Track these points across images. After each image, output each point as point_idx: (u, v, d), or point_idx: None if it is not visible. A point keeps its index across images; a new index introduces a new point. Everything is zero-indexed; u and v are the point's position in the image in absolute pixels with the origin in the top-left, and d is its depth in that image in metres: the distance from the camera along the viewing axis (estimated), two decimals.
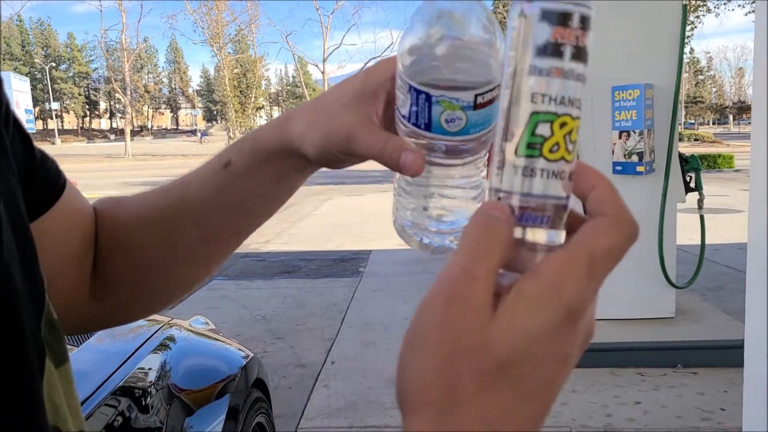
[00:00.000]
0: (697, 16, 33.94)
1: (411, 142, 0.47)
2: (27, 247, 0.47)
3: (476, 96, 0.44)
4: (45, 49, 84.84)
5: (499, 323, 0.32)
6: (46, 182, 0.58)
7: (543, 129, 0.33)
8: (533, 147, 0.33)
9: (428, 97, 0.44)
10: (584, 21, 0.33)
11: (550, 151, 0.33)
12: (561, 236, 0.35)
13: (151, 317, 2.40)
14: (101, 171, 30.40)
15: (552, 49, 0.33)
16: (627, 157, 4.07)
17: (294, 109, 0.57)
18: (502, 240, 0.33)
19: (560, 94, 0.33)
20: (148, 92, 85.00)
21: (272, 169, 0.58)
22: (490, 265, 0.33)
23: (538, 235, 0.35)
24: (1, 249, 0.41)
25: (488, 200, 0.35)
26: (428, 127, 0.45)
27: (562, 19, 0.33)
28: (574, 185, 0.35)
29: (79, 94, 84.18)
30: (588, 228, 0.34)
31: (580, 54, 0.33)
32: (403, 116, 0.46)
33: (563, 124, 0.33)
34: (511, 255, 0.34)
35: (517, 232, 0.34)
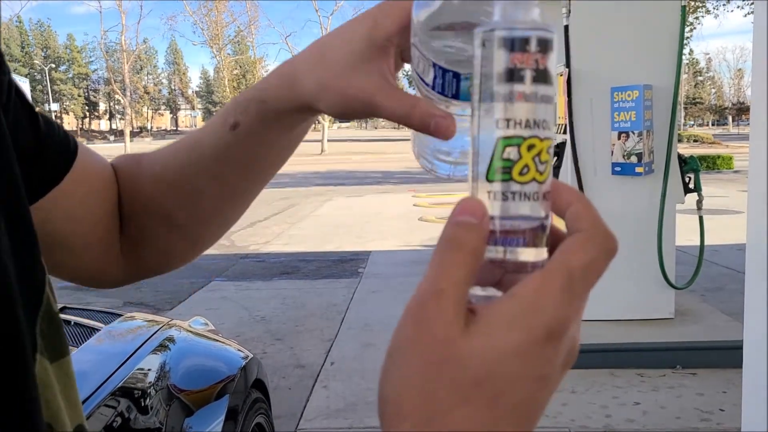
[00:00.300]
0: (697, 17, 33.91)
1: (434, 102, 0.47)
2: (27, 239, 0.46)
3: None
4: (44, 50, 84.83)
5: (473, 339, 0.32)
6: (55, 153, 0.58)
7: (511, 153, 0.34)
8: (503, 171, 0.34)
9: (456, 74, 0.45)
10: (543, 44, 0.34)
11: (520, 173, 0.34)
12: (541, 255, 0.35)
13: (151, 318, 2.41)
14: None
15: (512, 75, 0.34)
16: (626, 158, 4.07)
17: (298, 62, 0.54)
18: (468, 251, 0.34)
19: (525, 117, 0.34)
20: (148, 93, 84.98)
21: (283, 124, 0.57)
22: (458, 279, 0.33)
23: (517, 256, 0.35)
24: None
25: (460, 202, 0.35)
26: (456, 96, 0.46)
27: (519, 44, 0.34)
28: (551, 204, 0.36)
29: (79, 96, 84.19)
30: (564, 246, 0.34)
31: (541, 76, 0.34)
32: (427, 84, 0.47)
33: (531, 146, 0.34)
34: (482, 262, 0.34)
35: (498, 254, 0.35)
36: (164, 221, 0.65)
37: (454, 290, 0.33)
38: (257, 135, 0.58)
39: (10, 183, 0.46)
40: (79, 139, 0.63)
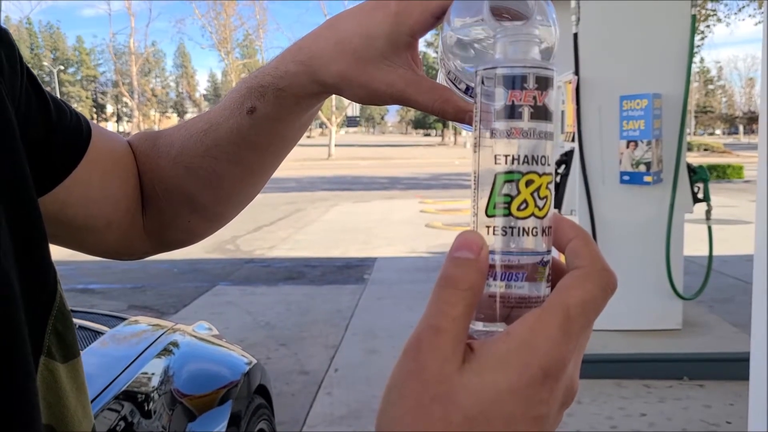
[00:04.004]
0: (708, 26, 33.80)
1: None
2: (35, 240, 0.46)
3: None
4: (53, 52, 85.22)
5: (466, 376, 0.32)
6: (67, 142, 0.58)
7: (509, 188, 0.35)
8: (501, 206, 0.35)
9: None
10: (541, 81, 0.35)
11: (518, 209, 0.35)
12: (542, 290, 0.36)
13: (155, 322, 2.41)
14: None
15: (509, 111, 0.35)
16: (634, 166, 4.05)
17: (315, 50, 0.53)
18: (465, 287, 0.33)
19: (522, 154, 0.35)
20: (156, 96, 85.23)
21: (301, 107, 0.58)
22: (455, 315, 0.33)
23: (518, 291, 0.35)
24: None
25: (458, 236, 0.35)
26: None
27: (518, 81, 0.34)
28: (553, 239, 0.36)
29: (87, 98, 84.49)
30: (562, 283, 0.34)
31: (539, 113, 0.35)
32: (460, 89, 0.48)
33: (529, 182, 0.35)
34: (480, 298, 0.34)
35: (499, 289, 0.35)
36: (186, 203, 0.66)
37: (451, 327, 0.33)
38: (275, 118, 0.58)
39: (17, 183, 0.45)
40: None
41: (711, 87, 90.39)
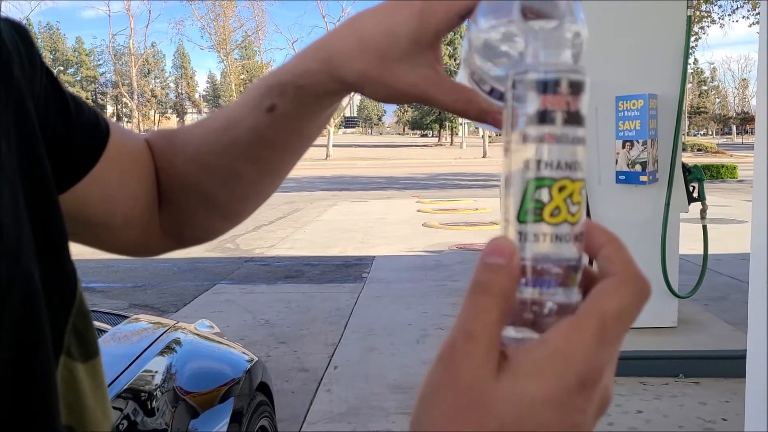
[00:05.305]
0: (702, 27, 33.76)
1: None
2: (56, 237, 0.46)
3: None
4: (53, 53, 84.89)
5: (501, 384, 0.32)
6: (86, 139, 0.58)
7: (542, 194, 0.34)
8: (533, 213, 0.34)
9: None
10: (574, 86, 0.34)
11: (551, 215, 0.34)
12: (575, 297, 0.35)
13: (157, 320, 2.43)
14: None
15: (542, 117, 0.34)
16: (630, 166, 4.08)
17: (336, 48, 0.52)
18: (498, 293, 0.33)
19: (555, 159, 0.34)
20: (155, 97, 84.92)
21: (321, 105, 0.57)
22: (488, 321, 0.32)
23: (550, 298, 0.35)
24: (19, 255, 0.41)
25: (490, 242, 0.35)
26: None
27: (550, 86, 0.34)
28: (585, 245, 0.35)
29: (87, 98, 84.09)
30: (596, 290, 0.33)
31: (572, 118, 0.34)
32: (484, 90, 0.47)
33: (562, 188, 0.34)
34: (513, 304, 0.34)
35: (531, 296, 0.35)
36: (203, 201, 0.65)
37: (484, 333, 0.32)
38: (295, 116, 0.57)
39: (39, 180, 0.46)
40: None
41: (704, 88, 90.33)
